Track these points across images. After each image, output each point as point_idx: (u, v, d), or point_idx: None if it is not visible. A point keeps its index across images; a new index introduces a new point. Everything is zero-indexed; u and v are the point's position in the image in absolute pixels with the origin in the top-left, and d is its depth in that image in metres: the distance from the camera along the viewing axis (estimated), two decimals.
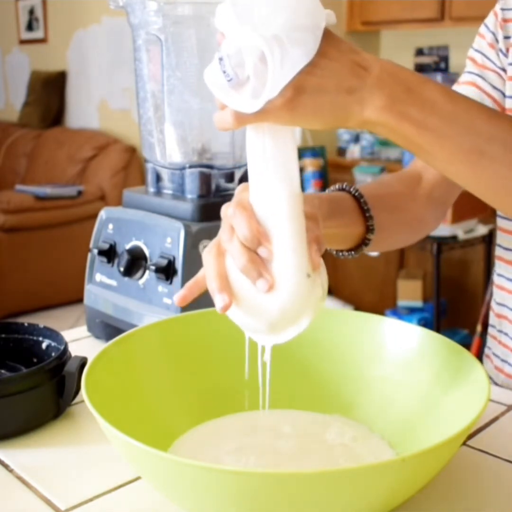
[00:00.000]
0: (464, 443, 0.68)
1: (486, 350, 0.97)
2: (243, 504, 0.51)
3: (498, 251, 0.92)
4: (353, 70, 0.56)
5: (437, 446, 0.51)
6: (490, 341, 0.95)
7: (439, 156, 0.61)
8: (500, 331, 0.92)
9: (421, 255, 3.18)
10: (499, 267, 0.91)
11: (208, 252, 0.62)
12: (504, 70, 0.86)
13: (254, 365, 0.72)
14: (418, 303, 3.21)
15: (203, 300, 0.85)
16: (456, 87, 0.90)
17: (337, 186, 0.79)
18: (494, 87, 0.87)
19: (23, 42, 5.13)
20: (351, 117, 0.57)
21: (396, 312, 3.19)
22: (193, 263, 0.85)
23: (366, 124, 0.58)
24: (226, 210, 0.61)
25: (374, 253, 3.22)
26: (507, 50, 0.85)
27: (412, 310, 3.19)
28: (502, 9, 0.85)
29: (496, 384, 0.91)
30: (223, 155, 0.95)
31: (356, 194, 0.77)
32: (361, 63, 0.56)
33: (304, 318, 0.60)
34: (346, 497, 0.50)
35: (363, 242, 0.78)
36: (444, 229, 2.77)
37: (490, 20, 0.88)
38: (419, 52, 3.81)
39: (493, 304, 0.94)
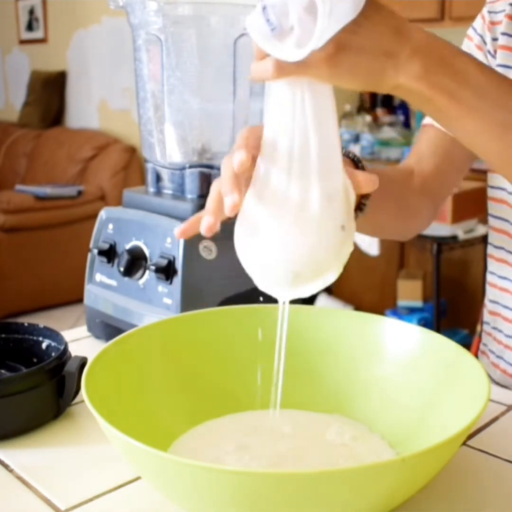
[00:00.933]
0: (464, 443, 0.68)
1: (482, 347, 0.98)
2: (243, 504, 0.51)
3: (489, 250, 0.94)
4: (393, 35, 0.56)
5: (437, 446, 0.51)
6: (485, 338, 0.97)
7: (467, 127, 0.62)
8: (494, 328, 0.93)
9: (421, 255, 3.18)
10: (490, 265, 0.94)
11: (228, 157, 0.61)
12: None
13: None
14: (418, 303, 3.21)
15: (203, 300, 0.86)
16: None
17: None
18: None
19: (23, 42, 5.12)
20: (385, 81, 0.57)
21: (396, 312, 3.19)
22: (193, 263, 0.85)
23: (398, 89, 0.58)
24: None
25: (374, 253, 3.23)
26: (495, 51, 0.87)
27: (412, 310, 3.19)
28: (489, 12, 0.89)
29: (492, 380, 0.92)
30: (223, 155, 0.94)
31: (355, 158, 0.77)
32: (401, 30, 0.57)
33: (330, 273, 0.59)
34: (346, 497, 0.50)
35: (358, 207, 0.77)
36: (444, 229, 2.77)
37: (477, 23, 0.91)
38: None
39: (486, 302, 0.96)
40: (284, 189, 0.58)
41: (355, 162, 0.77)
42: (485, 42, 0.89)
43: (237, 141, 0.61)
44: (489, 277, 0.94)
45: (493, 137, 0.62)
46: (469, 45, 0.91)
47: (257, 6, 0.54)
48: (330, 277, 0.59)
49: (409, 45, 0.57)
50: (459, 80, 0.59)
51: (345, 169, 0.61)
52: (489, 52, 0.88)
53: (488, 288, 0.95)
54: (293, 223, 0.57)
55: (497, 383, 0.92)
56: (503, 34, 0.87)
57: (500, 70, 0.86)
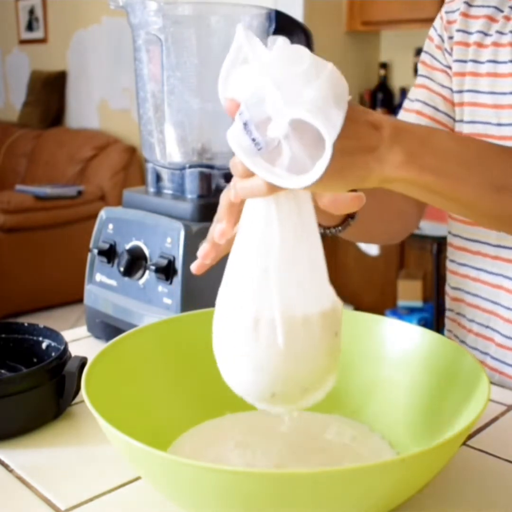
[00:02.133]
0: (464, 443, 0.68)
1: (446, 333, 1.01)
2: (243, 504, 0.51)
3: (449, 238, 0.98)
4: (369, 130, 0.56)
5: (437, 446, 0.51)
6: (449, 324, 1.00)
7: (459, 199, 0.63)
8: (458, 314, 0.97)
9: (421, 255, 3.18)
10: (451, 253, 0.97)
11: (227, 189, 0.61)
12: (450, 68, 0.93)
13: None
14: (418, 303, 3.21)
15: (203, 300, 0.85)
16: (413, 90, 0.98)
17: None
18: (443, 86, 0.94)
19: (23, 42, 5.12)
20: (371, 175, 0.57)
21: (396, 312, 3.19)
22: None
23: (385, 181, 0.58)
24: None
25: (374, 253, 3.23)
26: (452, 49, 0.92)
27: (412, 310, 3.19)
28: (447, 12, 0.94)
29: None
30: (223, 155, 0.95)
31: None
32: (375, 123, 0.57)
33: (331, 377, 0.59)
34: (346, 497, 0.50)
35: (349, 214, 0.78)
36: (444, 229, 2.75)
37: (437, 23, 0.95)
38: (419, 52, 3.81)
39: (447, 289, 0.99)
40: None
41: None
42: (443, 41, 0.93)
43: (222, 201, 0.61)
44: (449, 265, 0.98)
45: (487, 201, 0.63)
46: (430, 46, 0.96)
47: (237, 120, 0.52)
48: (331, 382, 0.59)
49: (386, 136, 0.57)
50: (441, 157, 0.60)
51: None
52: (446, 50, 0.93)
53: (448, 276, 0.98)
54: (297, 346, 0.56)
55: None
56: (458, 30, 0.91)
57: (455, 65, 0.91)
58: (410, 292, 3.21)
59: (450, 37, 0.92)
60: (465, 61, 0.90)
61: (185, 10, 0.89)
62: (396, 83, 3.79)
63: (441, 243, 2.83)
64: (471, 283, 0.94)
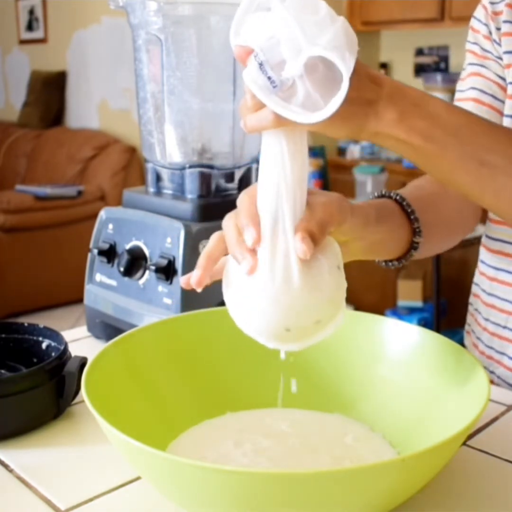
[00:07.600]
0: (464, 443, 0.68)
1: (466, 327, 1.02)
2: (243, 504, 0.51)
3: (483, 239, 0.96)
4: (371, 84, 0.59)
5: (437, 446, 0.51)
6: (469, 318, 1.01)
7: (443, 166, 0.65)
8: (475, 310, 0.97)
9: None
10: (480, 252, 0.96)
11: (230, 215, 0.62)
12: (501, 59, 0.90)
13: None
14: (418, 303, 3.21)
15: (203, 300, 0.85)
16: (460, 83, 0.94)
17: (376, 194, 0.81)
18: (498, 75, 0.90)
19: (23, 42, 5.13)
20: (366, 128, 0.60)
21: (396, 312, 3.19)
22: (193, 263, 0.85)
23: (376, 135, 0.61)
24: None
25: None
26: (500, 40, 0.89)
27: (412, 310, 3.19)
28: (491, 3, 0.91)
29: None
30: (223, 155, 0.95)
31: (397, 198, 0.79)
32: (375, 79, 0.60)
33: (340, 316, 0.60)
34: (346, 497, 0.50)
35: (412, 246, 0.79)
36: None
37: (480, 13, 0.92)
38: (419, 52, 3.82)
39: (473, 284, 0.99)
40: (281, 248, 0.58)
41: (398, 202, 0.78)
42: (490, 32, 0.90)
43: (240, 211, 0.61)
44: (479, 262, 0.97)
45: (468, 172, 0.65)
46: (477, 36, 0.92)
47: (252, 61, 0.55)
48: (341, 317, 0.61)
49: (383, 92, 0.60)
50: (431, 121, 0.62)
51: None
52: (495, 41, 0.90)
53: (476, 271, 0.98)
54: (309, 277, 0.58)
55: None
56: (505, 22, 0.88)
57: (506, 57, 0.88)
58: (410, 292, 3.21)
59: (498, 28, 0.89)
60: None
61: (185, 10, 0.89)
62: None
63: None
64: (487, 282, 0.93)
